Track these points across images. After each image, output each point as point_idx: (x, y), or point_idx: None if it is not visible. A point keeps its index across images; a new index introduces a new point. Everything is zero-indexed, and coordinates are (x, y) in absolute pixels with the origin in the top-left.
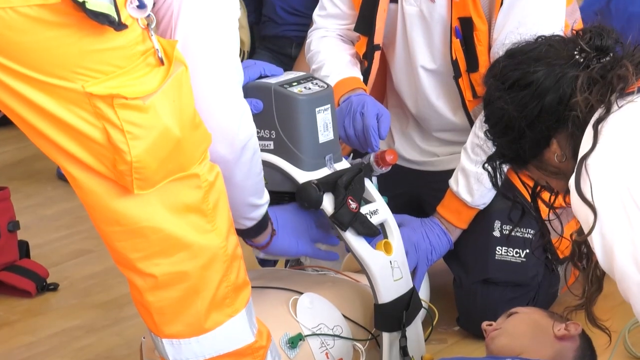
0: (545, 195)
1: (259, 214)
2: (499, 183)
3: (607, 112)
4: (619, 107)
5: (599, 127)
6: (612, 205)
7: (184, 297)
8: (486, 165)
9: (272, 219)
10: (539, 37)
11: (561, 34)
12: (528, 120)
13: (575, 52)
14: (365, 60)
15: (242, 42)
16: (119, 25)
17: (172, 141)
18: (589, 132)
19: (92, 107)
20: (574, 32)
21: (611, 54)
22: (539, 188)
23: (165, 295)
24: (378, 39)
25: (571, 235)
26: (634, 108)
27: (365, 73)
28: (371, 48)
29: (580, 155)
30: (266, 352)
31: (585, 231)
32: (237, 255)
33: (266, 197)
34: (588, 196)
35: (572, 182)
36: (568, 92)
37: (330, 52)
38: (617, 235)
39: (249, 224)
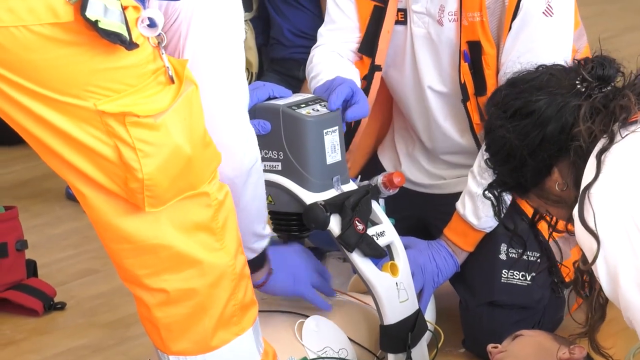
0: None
1: (261, 245)
2: (502, 212)
3: (611, 142)
4: (622, 137)
5: (602, 157)
6: (615, 234)
7: (192, 314)
8: (487, 193)
9: (270, 257)
10: (540, 66)
11: (569, 59)
12: (530, 148)
13: (577, 82)
14: (364, 81)
15: (250, 63)
16: (130, 45)
17: (183, 159)
18: (592, 162)
19: (104, 125)
20: (576, 61)
21: (613, 84)
22: (537, 216)
23: (173, 311)
24: (379, 60)
25: (574, 264)
26: (637, 138)
27: (364, 92)
28: (372, 68)
29: (583, 185)
30: None
31: (590, 260)
32: (245, 274)
33: (268, 230)
34: (592, 225)
35: (575, 211)
36: (570, 121)
37: (326, 62)
38: (622, 263)
39: (250, 255)
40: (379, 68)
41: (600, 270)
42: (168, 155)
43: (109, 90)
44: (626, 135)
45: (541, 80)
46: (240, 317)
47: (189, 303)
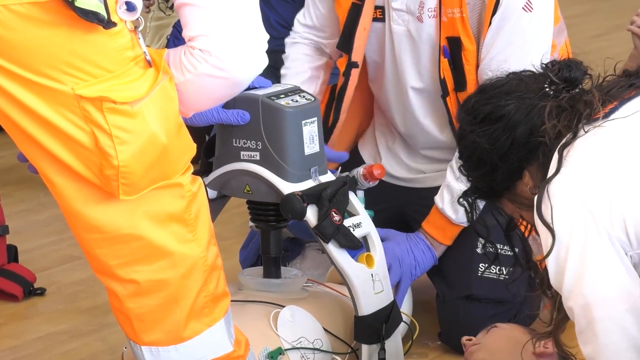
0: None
1: None
2: (474, 218)
3: (574, 137)
4: (585, 132)
5: (564, 152)
6: (571, 229)
7: (163, 305)
8: (461, 200)
9: None
10: (510, 73)
11: (548, 54)
12: (500, 153)
13: (545, 85)
14: (342, 77)
15: None
16: (108, 24)
17: (158, 148)
18: (555, 157)
19: (81, 111)
20: (544, 65)
21: (580, 86)
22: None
23: (144, 302)
24: (356, 57)
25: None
26: (600, 133)
27: (342, 89)
28: (349, 65)
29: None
30: None
31: (544, 253)
32: (217, 265)
33: None
34: (548, 219)
35: (535, 205)
36: (538, 123)
37: (294, 65)
38: (571, 258)
39: None
40: (355, 65)
41: (550, 263)
42: (144, 143)
43: (87, 74)
44: (589, 130)
45: (510, 85)
46: (211, 308)
47: (160, 294)
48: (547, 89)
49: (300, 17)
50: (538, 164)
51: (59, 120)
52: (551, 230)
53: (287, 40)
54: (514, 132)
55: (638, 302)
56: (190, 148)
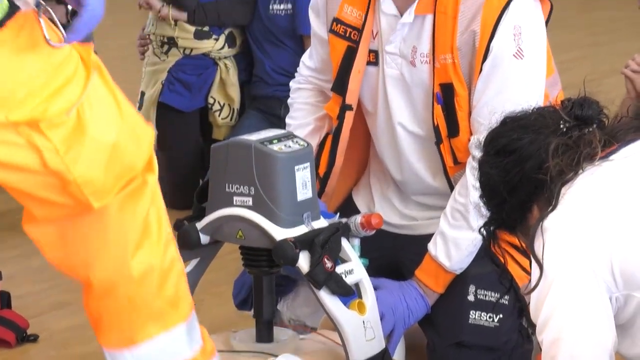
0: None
1: None
2: (494, 249)
3: (574, 175)
4: (583, 171)
5: (563, 190)
6: (558, 265)
7: (119, 308)
8: (482, 230)
9: None
10: (533, 107)
11: (540, 103)
12: (510, 186)
13: (561, 122)
14: (337, 120)
15: (231, 99)
16: (13, 6)
17: (107, 147)
18: (555, 193)
19: (22, 136)
20: (560, 101)
21: (595, 125)
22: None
23: (101, 303)
24: (350, 99)
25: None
26: (598, 172)
27: (336, 132)
28: (343, 108)
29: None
30: None
31: (532, 287)
32: (175, 269)
33: None
34: (539, 255)
35: (529, 239)
36: (545, 159)
37: (298, 115)
38: (552, 293)
39: None
40: (349, 107)
41: (533, 296)
42: (91, 148)
43: (16, 99)
44: (588, 169)
45: (528, 119)
46: (169, 312)
47: (115, 295)
48: (561, 126)
49: (305, 59)
50: (545, 199)
51: (5, 152)
52: (540, 266)
53: (292, 83)
54: (524, 166)
55: (605, 350)
56: (145, 131)
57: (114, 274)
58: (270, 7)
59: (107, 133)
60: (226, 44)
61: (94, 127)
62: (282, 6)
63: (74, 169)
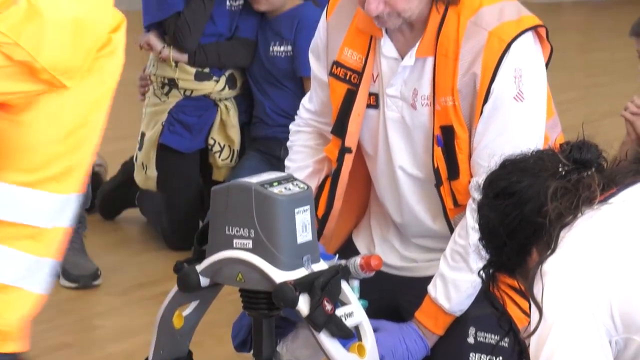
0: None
1: None
2: (493, 291)
3: (573, 219)
4: (582, 214)
5: (562, 233)
6: (558, 309)
7: None
8: (481, 272)
9: None
10: (533, 150)
11: (540, 145)
12: (509, 229)
13: (560, 165)
14: (336, 163)
15: (231, 140)
16: None
17: (67, 23)
18: (554, 237)
19: None
20: (559, 145)
21: (594, 169)
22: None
23: None
24: (350, 142)
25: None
26: (597, 216)
27: (335, 175)
28: (342, 150)
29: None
30: None
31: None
32: None
33: None
34: (538, 299)
35: (528, 283)
36: (544, 203)
37: (297, 158)
38: (551, 336)
39: None
40: (349, 150)
41: (533, 340)
42: (50, 30)
43: None
44: (587, 212)
45: (528, 162)
46: None
47: None
48: (560, 170)
49: (305, 102)
50: (544, 242)
51: None
52: (540, 309)
53: (292, 126)
54: (523, 209)
55: None
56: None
57: None
58: (271, 49)
59: (64, 10)
60: (227, 86)
61: (48, 8)
62: (282, 48)
63: (39, 56)
